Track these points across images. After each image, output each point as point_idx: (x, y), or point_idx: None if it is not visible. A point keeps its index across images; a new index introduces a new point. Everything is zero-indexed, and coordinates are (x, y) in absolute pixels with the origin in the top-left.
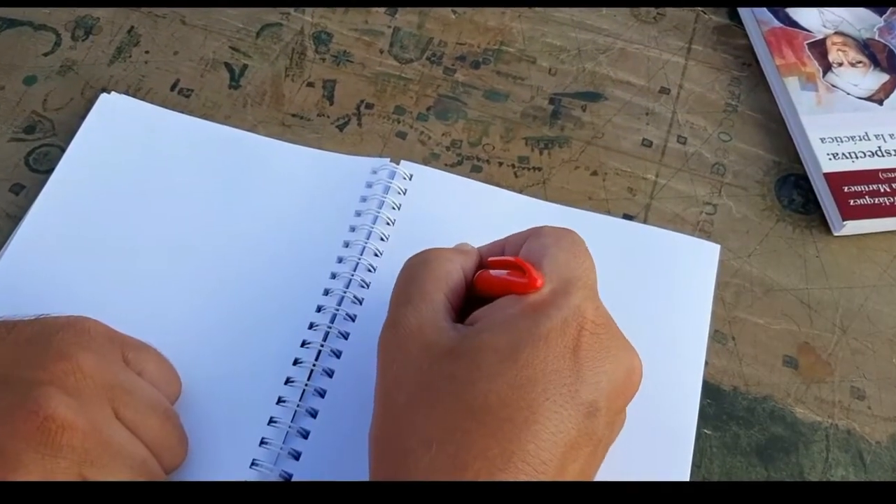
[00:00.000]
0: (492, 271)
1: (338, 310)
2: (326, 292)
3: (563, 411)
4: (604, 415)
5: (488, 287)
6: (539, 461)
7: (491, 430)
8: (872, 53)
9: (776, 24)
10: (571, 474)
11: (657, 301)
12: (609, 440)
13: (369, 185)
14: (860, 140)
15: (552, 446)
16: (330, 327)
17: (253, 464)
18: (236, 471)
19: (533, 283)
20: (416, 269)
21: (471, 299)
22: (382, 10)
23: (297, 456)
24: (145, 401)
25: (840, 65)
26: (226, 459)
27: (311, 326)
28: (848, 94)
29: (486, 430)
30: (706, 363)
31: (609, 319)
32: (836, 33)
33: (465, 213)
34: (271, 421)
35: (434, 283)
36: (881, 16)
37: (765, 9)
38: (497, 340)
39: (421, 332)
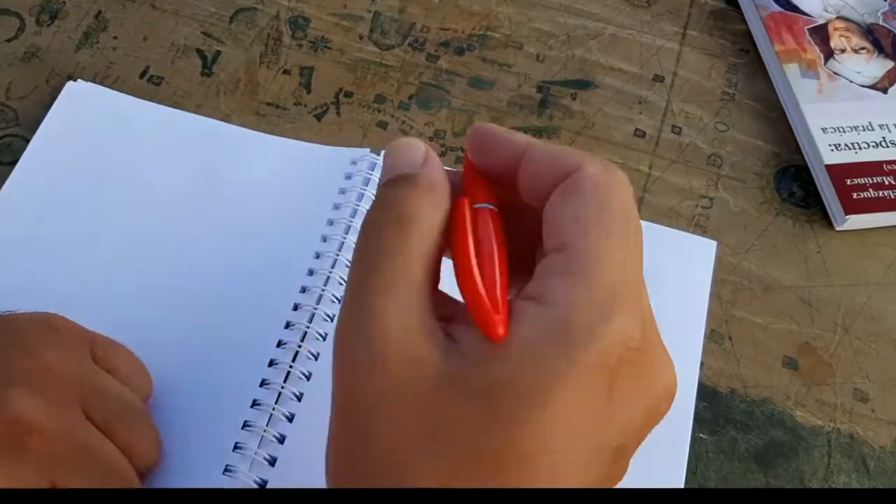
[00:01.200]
0: (458, 271)
1: (316, 308)
2: (303, 289)
3: (590, 458)
4: (629, 454)
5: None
6: None
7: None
8: (876, 39)
9: (775, 8)
10: None
11: (650, 300)
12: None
13: (348, 177)
14: (863, 130)
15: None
16: (308, 327)
17: (226, 470)
18: (208, 477)
19: (493, 334)
20: (387, 233)
21: None
22: None
23: (272, 462)
24: (117, 400)
25: (842, 51)
26: (197, 465)
27: (287, 326)
28: (851, 81)
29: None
30: (702, 364)
31: (650, 337)
32: (838, 18)
33: None
34: (245, 425)
35: (416, 262)
36: (886, 0)
37: None
38: (517, 375)
39: (406, 340)
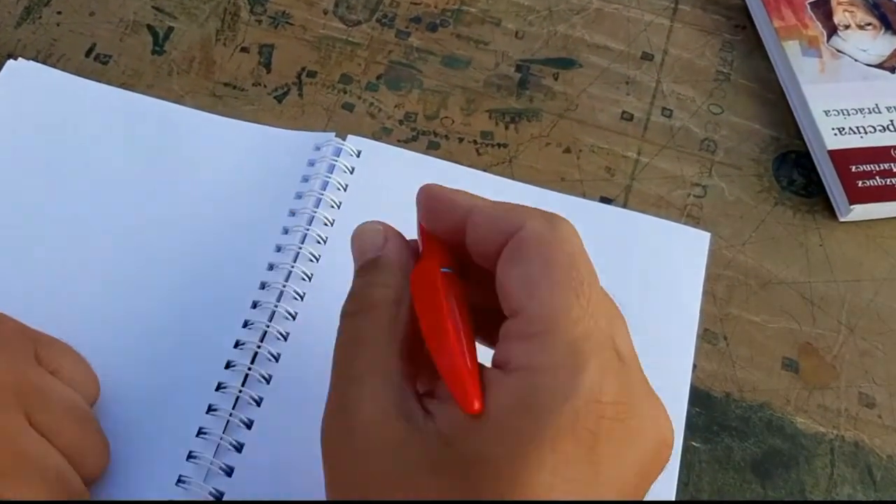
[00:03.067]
0: (432, 340)
1: (276, 306)
2: (263, 286)
3: None
4: None
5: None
6: None
7: None
8: (883, 14)
9: None
10: None
11: (638, 296)
12: None
13: (311, 164)
14: (869, 113)
15: None
16: (268, 326)
17: (179, 481)
18: (159, 489)
19: (469, 408)
20: (359, 323)
21: None
22: None
23: (229, 472)
24: (61, 403)
25: (847, 27)
26: (147, 476)
27: (245, 325)
28: (855, 60)
29: None
30: (694, 367)
31: (631, 378)
32: None
33: None
34: (200, 432)
35: (386, 346)
36: None
37: None
38: (487, 448)
39: (384, 427)
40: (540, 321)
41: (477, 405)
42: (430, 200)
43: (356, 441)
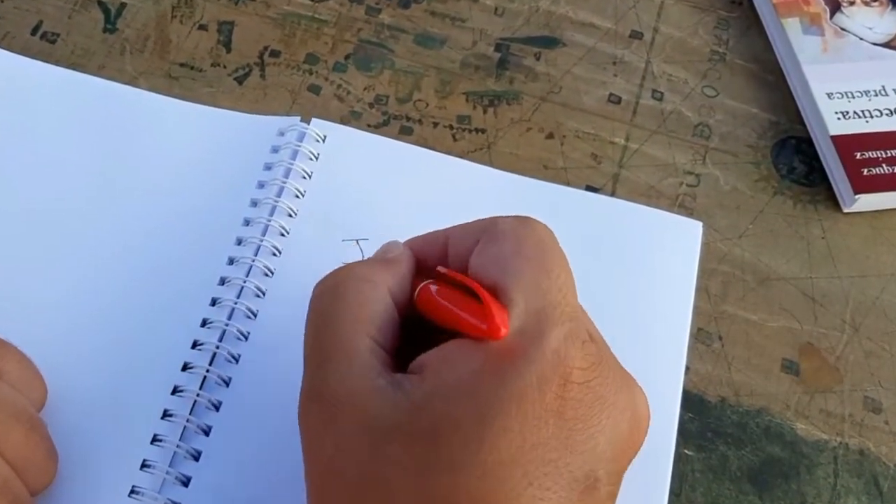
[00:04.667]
0: (439, 291)
1: (236, 303)
2: (223, 281)
3: (552, 495)
4: (605, 485)
5: (436, 316)
6: None
7: None
8: None
9: None
10: None
11: (626, 292)
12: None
13: (275, 150)
14: (875, 95)
15: None
16: (227, 325)
17: (132, 491)
18: (111, 500)
19: (494, 332)
20: (327, 305)
21: (415, 322)
22: None
23: (185, 482)
24: (6, 408)
25: (851, 3)
26: (99, 486)
27: (203, 324)
28: (861, 39)
29: None
30: (687, 369)
31: (602, 355)
32: None
33: (391, 184)
34: (155, 439)
35: (353, 325)
36: None
37: None
38: (456, 412)
39: (352, 401)
40: (508, 293)
41: (504, 330)
42: (414, 242)
43: (331, 422)
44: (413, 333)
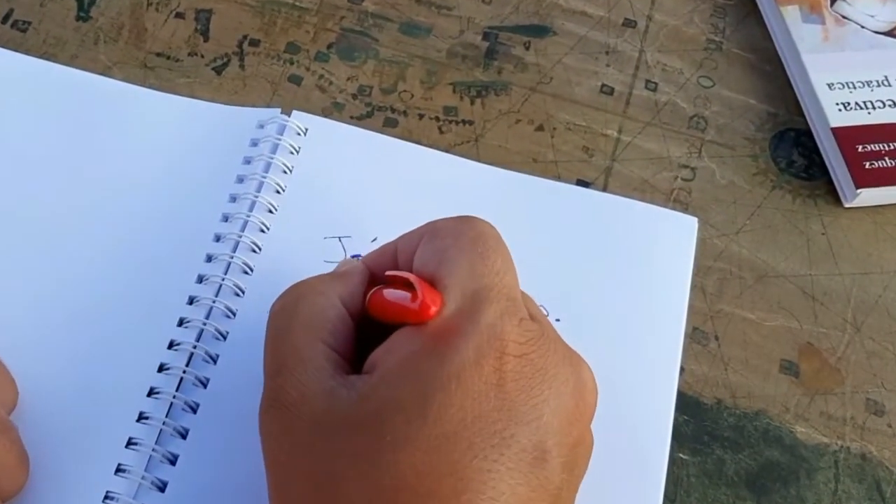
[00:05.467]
0: (385, 291)
1: (214, 302)
2: (200, 279)
3: (500, 466)
4: (556, 456)
5: (382, 313)
6: None
7: None
8: None
9: None
10: None
11: (619, 291)
12: (574, 481)
13: (254, 144)
14: (878, 86)
15: None
16: (205, 324)
17: (107, 497)
18: None
19: (424, 311)
20: (281, 319)
21: (373, 329)
22: None
23: (162, 487)
24: None
25: None
26: (72, 491)
27: (181, 323)
28: (862, 27)
29: None
30: (682, 370)
31: (541, 330)
32: None
33: (375, 179)
34: (130, 443)
35: (306, 332)
36: None
37: None
38: (398, 394)
39: (306, 404)
40: (445, 279)
41: (434, 308)
42: (368, 257)
43: (287, 428)
44: (375, 343)
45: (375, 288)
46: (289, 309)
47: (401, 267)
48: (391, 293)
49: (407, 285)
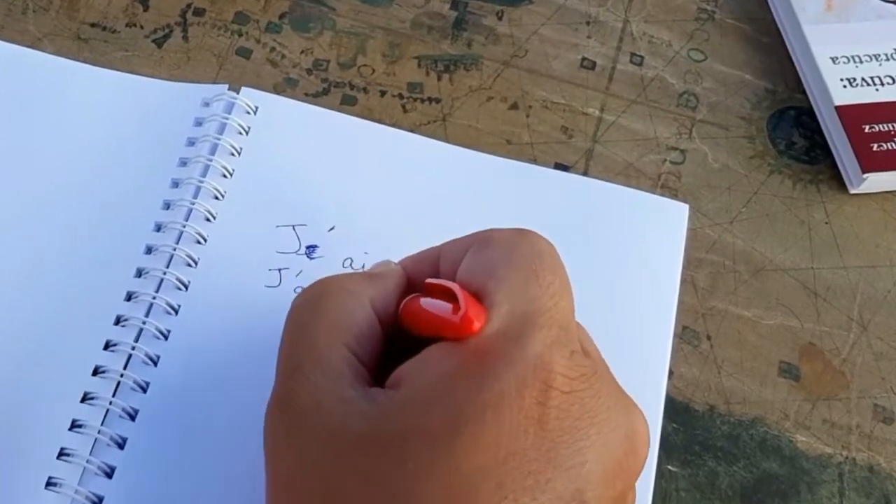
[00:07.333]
0: (423, 300)
1: (154, 298)
2: (140, 273)
3: None
4: None
5: (416, 324)
6: None
7: None
8: None
9: None
10: None
11: (601, 285)
12: None
13: (199, 123)
14: (886, 60)
15: None
16: (144, 323)
17: (49, 483)
18: (26, 493)
19: (466, 325)
20: (305, 315)
21: (403, 342)
22: None
23: (109, 473)
24: None
25: None
26: (11, 478)
27: (118, 322)
28: None
29: None
30: (671, 373)
31: (594, 367)
32: None
33: (332, 162)
34: (62, 454)
35: (329, 332)
36: None
37: None
38: (425, 417)
39: (320, 412)
40: (493, 296)
41: (478, 324)
42: (406, 261)
43: (296, 431)
44: (401, 359)
45: (412, 296)
46: (313, 304)
47: (443, 276)
48: (429, 302)
49: (448, 296)
